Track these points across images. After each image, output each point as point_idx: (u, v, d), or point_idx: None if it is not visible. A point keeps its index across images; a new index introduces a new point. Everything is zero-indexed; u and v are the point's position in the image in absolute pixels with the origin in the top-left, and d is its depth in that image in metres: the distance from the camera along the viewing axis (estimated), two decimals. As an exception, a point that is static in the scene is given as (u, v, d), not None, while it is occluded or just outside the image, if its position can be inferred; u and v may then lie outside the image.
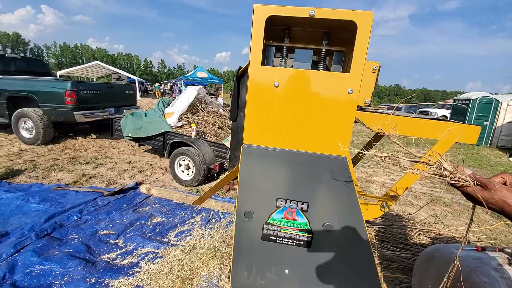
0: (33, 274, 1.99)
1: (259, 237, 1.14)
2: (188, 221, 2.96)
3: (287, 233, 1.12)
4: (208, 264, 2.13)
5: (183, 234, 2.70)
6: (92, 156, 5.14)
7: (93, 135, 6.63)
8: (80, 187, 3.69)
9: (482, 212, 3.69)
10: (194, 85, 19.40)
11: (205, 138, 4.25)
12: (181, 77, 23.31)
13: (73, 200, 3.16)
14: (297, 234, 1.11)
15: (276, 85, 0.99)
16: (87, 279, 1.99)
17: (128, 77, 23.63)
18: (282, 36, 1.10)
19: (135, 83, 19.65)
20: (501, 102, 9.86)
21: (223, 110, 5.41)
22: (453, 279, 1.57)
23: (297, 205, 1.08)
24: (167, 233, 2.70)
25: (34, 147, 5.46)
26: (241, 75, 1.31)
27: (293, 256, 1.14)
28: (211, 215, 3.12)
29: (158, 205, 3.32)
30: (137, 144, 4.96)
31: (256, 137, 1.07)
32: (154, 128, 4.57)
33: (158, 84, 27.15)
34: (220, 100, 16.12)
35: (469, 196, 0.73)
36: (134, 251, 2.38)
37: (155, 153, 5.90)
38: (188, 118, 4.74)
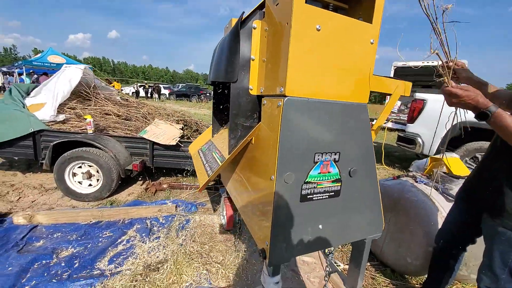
0: None
1: (298, 200, 1.05)
2: (119, 240, 2.25)
3: (322, 187, 1.09)
4: (186, 273, 1.73)
5: (121, 257, 2.03)
6: None
7: None
8: None
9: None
10: (46, 73, 14.04)
11: (107, 133, 3.29)
12: (20, 62, 16.08)
13: None
14: (329, 186, 1.11)
15: (318, 28, 0.91)
16: None
17: None
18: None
19: None
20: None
21: (121, 98, 4.33)
22: (391, 201, 2.11)
23: (331, 156, 1.07)
24: (95, 263, 1.94)
25: None
26: (242, 24, 1.09)
27: (326, 209, 1.14)
28: (149, 224, 2.52)
29: (59, 234, 2.31)
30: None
31: (299, 87, 0.94)
32: (13, 128, 3.06)
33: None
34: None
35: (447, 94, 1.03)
36: (49, 305, 1.56)
37: (12, 169, 3.99)
38: (74, 109, 3.47)
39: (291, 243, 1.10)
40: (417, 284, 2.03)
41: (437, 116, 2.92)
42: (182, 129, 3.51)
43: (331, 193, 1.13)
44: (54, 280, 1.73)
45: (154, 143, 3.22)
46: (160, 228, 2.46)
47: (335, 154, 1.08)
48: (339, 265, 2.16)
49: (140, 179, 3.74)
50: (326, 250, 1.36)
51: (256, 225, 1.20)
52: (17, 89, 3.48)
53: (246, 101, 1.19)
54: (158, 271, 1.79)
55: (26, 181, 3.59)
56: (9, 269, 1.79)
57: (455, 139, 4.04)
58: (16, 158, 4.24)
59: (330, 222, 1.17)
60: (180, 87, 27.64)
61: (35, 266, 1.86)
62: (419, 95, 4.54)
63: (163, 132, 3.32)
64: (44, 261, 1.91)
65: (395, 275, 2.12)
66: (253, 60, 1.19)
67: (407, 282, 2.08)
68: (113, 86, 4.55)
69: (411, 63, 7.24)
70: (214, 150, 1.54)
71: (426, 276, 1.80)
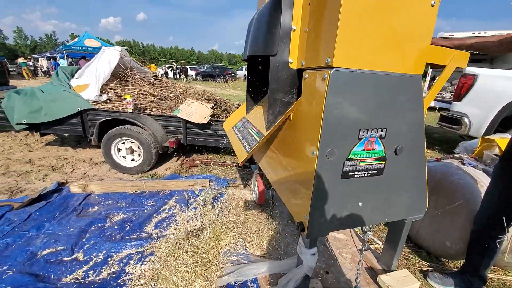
0: None
1: (338, 176, 1.04)
2: (162, 208, 2.47)
3: (364, 165, 1.07)
4: (224, 240, 1.87)
5: (165, 223, 2.25)
6: (-44, 163, 3.37)
7: None
8: (-41, 207, 2.39)
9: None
10: (84, 57, 14.99)
11: (145, 112, 3.48)
12: (61, 47, 17.26)
13: (-42, 227, 2.03)
14: (373, 164, 1.08)
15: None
16: (57, 315, 1.38)
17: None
18: None
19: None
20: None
21: (155, 79, 4.50)
22: (432, 183, 2.00)
23: (376, 133, 1.03)
24: (143, 228, 2.18)
25: None
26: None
27: (367, 187, 1.12)
28: (186, 196, 2.71)
29: (110, 201, 2.60)
30: (37, 133, 3.57)
31: (347, 57, 0.90)
32: (64, 107, 3.37)
33: (24, 60, 19.50)
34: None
35: None
36: (108, 259, 1.81)
37: (63, 145, 4.48)
38: (114, 89, 3.71)
39: (329, 218, 1.11)
40: (454, 268, 1.96)
41: (488, 94, 2.58)
42: (212, 108, 3.59)
43: (374, 171, 1.10)
44: (109, 241, 1.98)
45: (187, 121, 3.35)
46: (196, 200, 2.64)
47: (382, 131, 1.04)
48: (378, 243, 2.15)
49: (175, 155, 3.98)
50: (364, 228, 1.36)
51: (294, 200, 1.23)
52: (63, 72, 3.78)
53: (286, 75, 1.16)
54: (199, 237, 1.96)
55: (77, 155, 4.02)
56: (71, 230, 2.09)
57: (508, 119, 3.60)
58: (67, 135, 4.75)
59: (370, 200, 1.16)
60: (205, 68, 27.85)
61: (92, 228, 2.15)
62: (469, 70, 4.03)
63: (195, 111, 3.44)
64: (99, 224, 2.19)
65: (430, 257, 2.06)
66: (294, 30, 1.14)
67: (443, 265, 2.02)
68: (150, 69, 4.71)
69: (459, 34, 6.37)
70: (250, 127, 1.57)
71: (464, 260, 1.74)
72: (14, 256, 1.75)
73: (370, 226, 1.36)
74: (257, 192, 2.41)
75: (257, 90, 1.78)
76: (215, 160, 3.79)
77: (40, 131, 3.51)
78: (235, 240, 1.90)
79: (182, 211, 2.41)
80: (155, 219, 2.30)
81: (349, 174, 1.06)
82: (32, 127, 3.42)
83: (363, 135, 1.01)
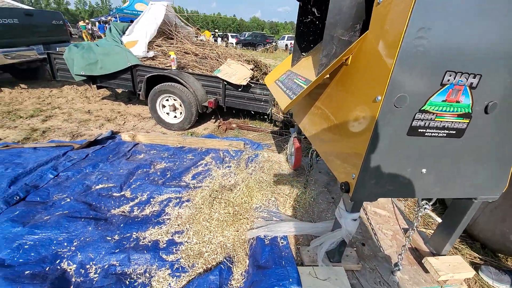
0: (26, 247, 1.46)
1: (404, 132, 0.86)
2: (199, 163, 2.56)
3: (441, 121, 0.86)
4: (256, 196, 1.88)
5: (201, 176, 2.33)
6: (34, 108, 3.93)
7: (22, 85, 5.02)
8: (36, 143, 2.81)
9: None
10: (132, 22, 15.58)
11: (187, 71, 3.50)
12: (114, 11, 18.15)
13: (35, 158, 2.38)
14: (452, 122, 0.87)
15: None
16: (108, 238, 1.57)
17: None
18: None
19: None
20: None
21: (197, 38, 4.45)
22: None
23: (467, 79, 0.80)
24: (182, 177, 2.30)
25: None
26: None
27: (437, 151, 0.92)
28: (222, 155, 2.75)
29: (155, 151, 2.78)
30: (93, 85, 3.89)
31: None
32: (116, 62, 3.55)
33: (84, 23, 21.24)
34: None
35: None
36: (151, 199, 1.97)
37: (117, 100, 4.86)
38: (160, 47, 3.77)
39: (381, 181, 0.96)
40: (514, 265, 1.68)
41: None
42: (252, 69, 3.44)
43: (452, 131, 0.89)
44: (152, 184, 2.14)
45: (226, 82, 3.29)
46: (230, 159, 2.67)
47: (474, 77, 0.80)
48: (436, 220, 1.95)
49: (213, 117, 4.04)
50: (420, 200, 1.18)
51: (341, 157, 1.09)
52: (115, 28, 3.93)
53: (350, 4, 0.95)
54: (232, 191, 1.99)
55: (128, 110, 4.35)
56: (121, 171, 2.30)
57: None
58: (120, 91, 5.14)
59: (437, 168, 0.96)
60: (246, 36, 26.96)
61: (139, 171, 2.33)
62: None
63: (234, 72, 3.33)
64: (145, 169, 2.37)
65: (485, 250, 1.80)
66: None
67: (499, 261, 1.75)
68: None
69: None
70: (296, 77, 1.41)
71: None
72: (72, 187, 2.01)
73: (429, 200, 1.17)
74: (293, 156, 2.31)
75: (307, 37, 1.57)
76: (250, 126, 3.74)
77: (96, 83, 3.82)
78: (267, 198, 1.88)
79: (217, 168, 2.46)
80: (192, 171, 2.41)
81: (419, 130, 0.87)
82: (89, 79, 3.72)
83: (448, 80, 0.79)
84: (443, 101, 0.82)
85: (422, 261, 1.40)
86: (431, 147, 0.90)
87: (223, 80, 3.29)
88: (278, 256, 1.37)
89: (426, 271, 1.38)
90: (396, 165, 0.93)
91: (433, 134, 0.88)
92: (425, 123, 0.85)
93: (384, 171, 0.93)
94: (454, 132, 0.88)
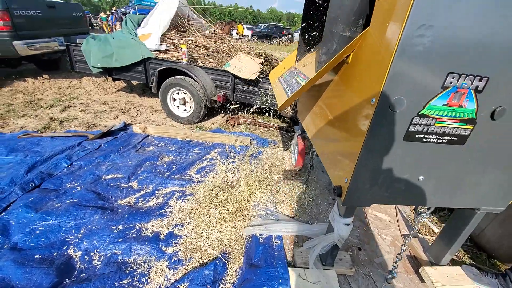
0: (37, 232, 1.57)
1: (401, 137, 0.81)
2: (204, 157, 2.60)
3: (441, 126, 0.80)
4: (255, 194, 1.88)
5: (205, 170, 2.36)
6: (54, 98, 4.15)
7: (44, 75, 5.30)
8: (54, 132, 2.97)
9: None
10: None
11: (197, 65, 3.51)
12: (133, 2, 18.43)
13: (52, 147, 2.53)
14: (454, 128, 0.80)
15: None
16: (112, 227, 1.64)
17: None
18: None
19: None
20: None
21: (209, 31, 4.43)
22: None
23: (472, 82, 0.73)
24: (187, 171, 2.35)
25: (-33, 92, 4.21)
26: None
27: (437, 158, 0.86)
28: (228, 150, 2.77)
29: (163, 144, 2.85)
30: (109, 77, 4.01)
31: None
32: (130, 54, 3.64)
33: (104, 15, 21.81)
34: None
35: None
36: (156, 192, 2.03)
37: (132, 92, 5.00)
38: (172, 40, 3.81)
39: (375, 187, 0.92)
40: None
41: None
42: (262, 64, 3.38)
43: (453, 138, 0.83)
44: (158, 176, 2.20)
45: (235, 77, 3.27)
46: (235, 154, 2.68)
47: (480, 80, 0.73)
48: (433, 231, 1.87)
49: (222, 112, 4.05)
50: (419, 208, 1.12)
51: (336, 160, 1.05)
52: (131, 20, 4.01)
53: None
54: (233, 187, 2.01)
55: (141, 102, 4.47)
56: (130, 162, 2.39)
57: None
58: (135, 83, 5.28)
59: (437, 175, 0.91)
60: (262, 28, 26.47)
61: (147, 164, 2.41)
62: None
63: (244, 66, 3.30)
64: (152, 162, 2.45)
65: (491, 262, 1.70)
66: None
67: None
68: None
69: None
70: (298, 75, 1.37)
71: None
72: (84, 176, 2.12)
73: (427, 208, 1.11)
74: (296, 154, 2.28)
75: (312, 33, 1.51)
76: (258, 121, 3.72)
77: (112, 76, 3.94)
78: (266, 197, 1.88)
79: (222, 163, 2.49)
80: (197, 165, 2.45)
81: (416, 136, 0.82)
82: (106, 71, 3.84)
83: (450, 83, 0.73)
84: (444, 105, 0.76)
85: (419, 270, 1.34)
86: (430, 153, 0.85)
87: (232, 74, 3.27)
88: (270, 255, 1.38)
89: (423, 281, 1.33)
90: (392, 171, 0.89)
91: (432, 140, 0.82)
92: (423, 128, 0.80)
93: (378, 177, 0.89)
94: (456, 138, 0.82)
